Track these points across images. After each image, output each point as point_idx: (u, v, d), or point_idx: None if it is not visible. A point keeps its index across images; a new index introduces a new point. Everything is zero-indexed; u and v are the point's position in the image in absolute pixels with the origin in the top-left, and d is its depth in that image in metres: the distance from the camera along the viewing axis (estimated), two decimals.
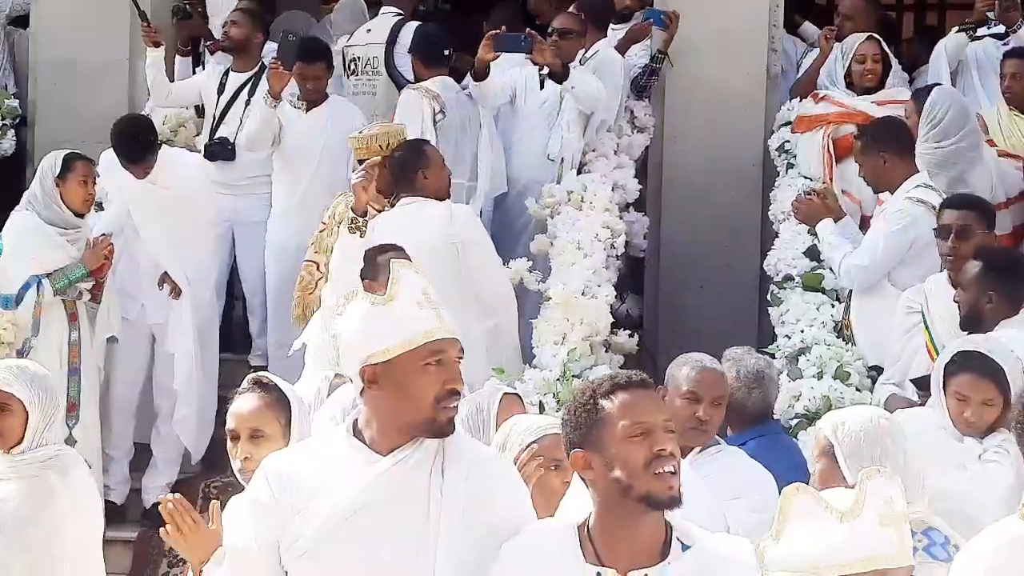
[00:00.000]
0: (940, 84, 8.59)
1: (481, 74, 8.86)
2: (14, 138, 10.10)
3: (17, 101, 10.24)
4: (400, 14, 9.73)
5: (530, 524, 3.76)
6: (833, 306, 7.54)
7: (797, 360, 7.11)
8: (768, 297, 7.93)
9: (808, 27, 10.52)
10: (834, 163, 8.63)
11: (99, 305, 8.24)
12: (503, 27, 9.18)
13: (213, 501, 4.36)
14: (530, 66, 9.13)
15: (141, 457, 8.70)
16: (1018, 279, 6.46)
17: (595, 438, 3.59)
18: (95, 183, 8.20)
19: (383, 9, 9.88)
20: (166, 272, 8.51)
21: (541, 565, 3.61)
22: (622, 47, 9.72)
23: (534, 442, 4.24)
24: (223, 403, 4.96)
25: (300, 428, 4.53)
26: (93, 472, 8.11)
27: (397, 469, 3.72)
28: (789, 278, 7.85)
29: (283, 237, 8.95)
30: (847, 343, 7.22)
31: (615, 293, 8.06)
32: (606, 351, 7.79)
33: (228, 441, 4.56)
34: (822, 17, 10.66)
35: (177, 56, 10.10)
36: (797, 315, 7.48)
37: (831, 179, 8.52)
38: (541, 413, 6.59)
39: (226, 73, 9.41)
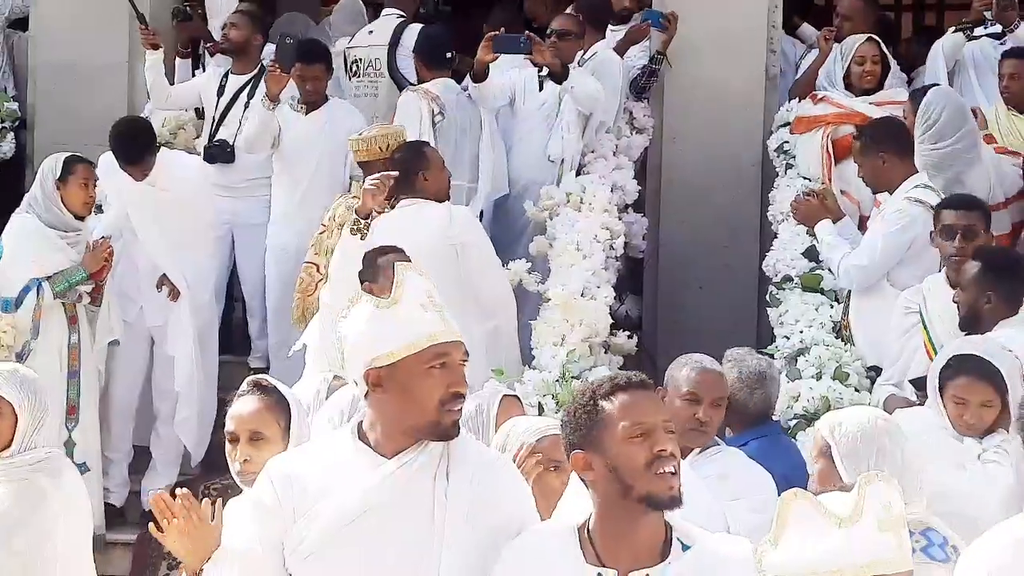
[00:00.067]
0: (937, 84, 8.59)
1: (480, 75, 8.87)
2: (13, 141, 10.10)
3: (16, 104, 10.24)
4: (402, 16, 9.74)
5: (533, 526, 3.76)
6: (832, 307, 7.54)
7: (796, 361, 7.11)
8: (767, 298, 7.94)
9: (807, 28, 10.53)
10: (833, 163, 8.63)
11: (98, 308, 8.24)
12: (502, 29, 9.18)
13: (216, 499, 4.35)
14: (529, 67, 9.14)
15: (140, 460, 8.70)
16: (1017, 279, 6.47)
17: (595, 439, 3.60)
18: (96, 186, 8.20)
19: (385, 11, 9.88)
20: (165, 274, 8.51)
21: (542, 566, 3.62)
22: (621, 48, 9.73)
23: (534, 442, 4.25)
24: (223, 405, 4.96)
25: (299, 431, 4.52)
26: (93, 474, 8.16)
27: (402, 472, 3.73)
28: (788, 279, 7.85)
29: (283, 239, 8.96)
30: (846, 343, 7.22)
31: (614, 294, 8.06)
32: (605, 352, 7.79)
33: (227, 444, 4.55)
34: (820, 18, 10.66)
35: (177, 58, 10.10)
36: (796, 316, 7.48)
37: (830, 180, 8.53)
38: (540, 414, 6.59)
39: (226, 75, 9.42)
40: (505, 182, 9.09)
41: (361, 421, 3.84)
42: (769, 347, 7.33)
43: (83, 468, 8.11)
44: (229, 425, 4.55)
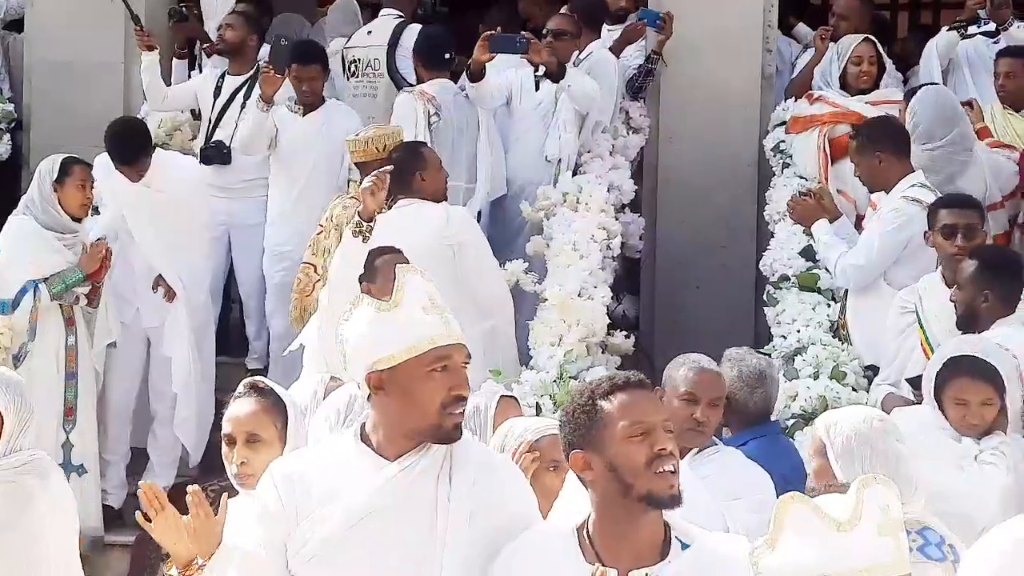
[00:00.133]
0: (928, 85, 8.58)
1: (477, 75, 8.86)
2: (10, 142, 10.10)
3: (12, 105, 10.24)
4: (400, 16, 9.74)
5: (532, 526, 3.76)
6: (829, 306, 7.54)
7: (793, 360, 7.11)
8: (764, 297, 7.93)
9: (802, 28, 10.54)
10: (830, 163, 8.63)
11: (95, 310, 8.24)
12: (498, 28, 9.18)
13: (223, 494, 4.34)
14: (526, 67, 9.14)
15: (138, 461, 8.70)
16: (1014, 278, 6.47)
17: (595, 439, 3.60)
18: (93, 188, 8.20)
19: (383, 11, 9.88)
20: (160, 275, 8.50)
21: (542, 567, 3.62)
22: (617, 48, 9.73)
23: (532, 441, 4.25)
24: (220, 406, 4.96)
25: (296, 433, 4.52)
26: (91, 476, 8.16)
27: (404, 475, 3.73)
28: (785, 278, 7.85)
29: (279, 240, 8.96)
30: (843, 343, 7.22)
31: (611, 294, 8.06)
32: (603, 352, 7.79)
33: (224, 446, 4.54)
34: (816, 17, 10.67)
35: (173, 59, 10.10)
36: (793, 315, 7.48)
37: (827, 179, 8.53)
38: (538, 415, 6.59)
39: (222, 76, 9.41)
40: (503, 183, 9.09)
41: (364, 423, 3.84)
42: (766, 347, 7.32)
43: (81, 470, 8.13)
44: (226, 427, 4.55)
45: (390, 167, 6.63)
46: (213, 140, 9.27)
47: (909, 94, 8.27)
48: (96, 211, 8.64)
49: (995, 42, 9.47)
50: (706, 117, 9.39)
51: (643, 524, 3.60)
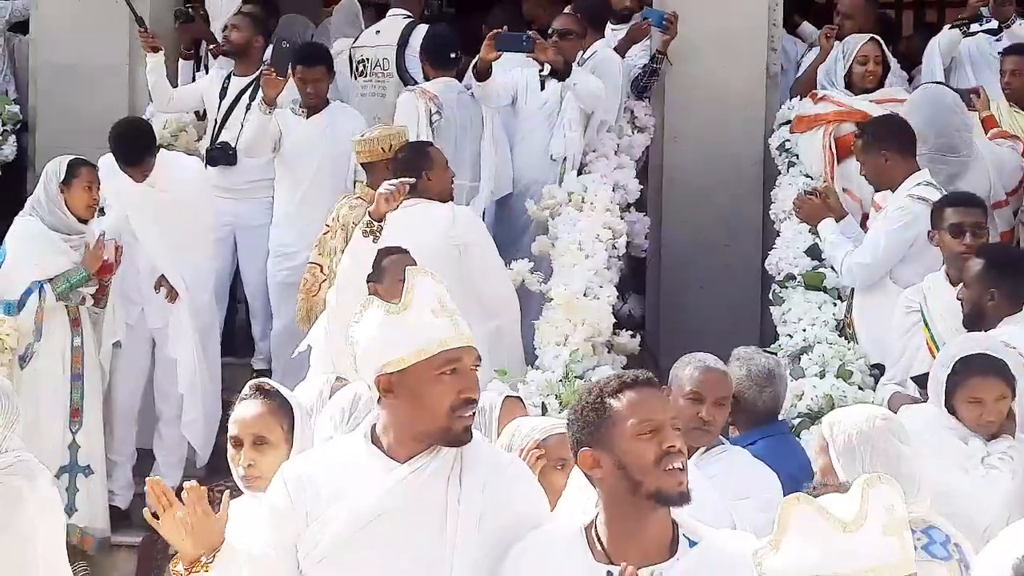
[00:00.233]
0: (923, 86, 8.57)
1: (484, 74, 8.87)
2: (15, 143, 10.11)
3: (18, 107, 10.25)
4: (409, 16, 9.75)
5: (541, 526, 3.76)
6: (835, 305, 7.54)
7: (799, 359, 7.11)
8: (770, 296, 7.93)
9: (807, 27, 10.54)
10: (836, 162, 8.62)
11: (102, 310, 8.24)
12: (504, 28, 9.19)
13: (224, 492, 4.34)
14: (531, 66, 9.14)
15: (144, 462, 8.70)
16: (1020, 276, 6.46)
17: (603, 436, 3.61)
18: (99, 189, 8.20)
19: (391, 11, 9.89)
20: (163, 275, 8.50)
21: (551, 566, 3.63)
22: (622, 48, 9.73)
23: (540, 440, 4.25)
24: (227, 407, 4.95)
25: (302, 434, 4.51)
26: (97, 477, 8.17)
27: (414, 478, 3.73)
28: (791, 277, 7.85)
29: (284, 242, 8.97)
30: (849, 342, 7.22)
31: (617, 294, 8.06)
32: (608, 352, 7.79)
33: (230, 448, 4.53)
34: (821, 16, 10.67)
35: (180, 60, 10.11)
36: (799, 314, 7.47)
37: (832, 178, 8.53)
38: (544, 414, 6.59)
39: (228, 77, 9.41)
40: (509, 181, 9.09)
41: (374, 425, 3.84)
42: (772, 346, 7.32)
43: (88, 471, 8.14)
44: (232, 430, 4.54)
45: (412, 179, 6.61)
46: (219, 141, 9.28)
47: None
48: (102, 212, 8.64)
49: (997, 40, 9.47)
50: (711, 116, 9.39)
51: (651, 522, 3.61)
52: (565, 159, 9.03)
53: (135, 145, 8.39)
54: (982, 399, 5.44)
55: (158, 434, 8.69)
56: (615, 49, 9.64)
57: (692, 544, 3.63)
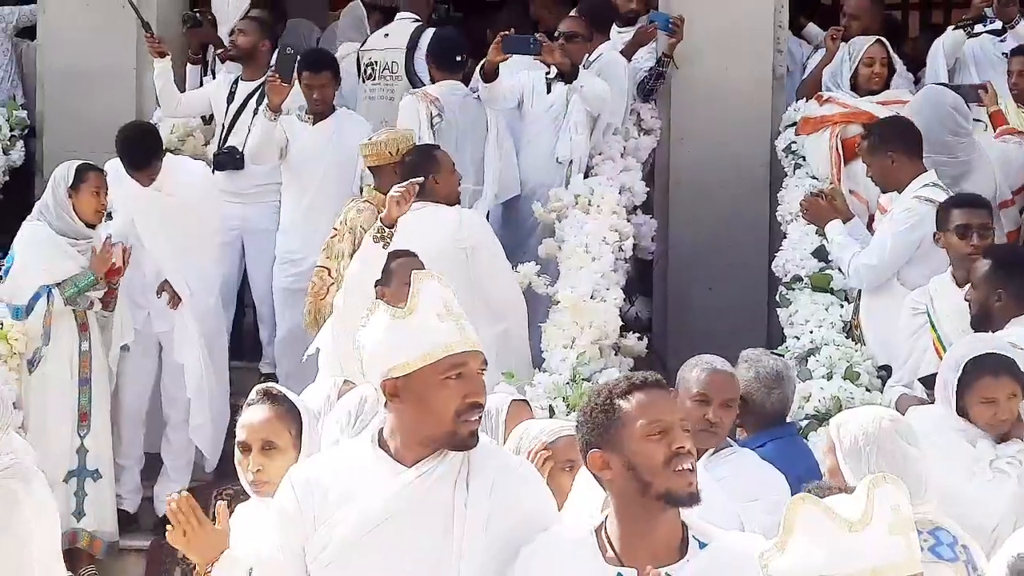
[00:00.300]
0: (925, 88, 8.56)
1: (491, 76, 8.88)
2: (23, 148, 10.12)
3: (25, 112, 10.27)
4: (417, 20, 9.77)
5: (550, 528, 3.76)
6: (842, 306, 7.53)
7: (806, 361, 7.10)
8: (777, 298, 7.93)
9: (812, 28, 10.54)
10: (843, 163, 8.62)
11: (111, 314, 8.25)
12: (511, 30, 9.20)
13: (220, 502, 4.35)
14: (538, 69, 9.15)
15: (152, 466, 8.71)
16: None
17: (613, 438, 3.61)
18: (107, 194, 8.21)
19: (399, 15, 9.91)
20: (166, 280, 8.50)
21: (561, 568, 3.63)
22: (628, 51, 9.73)
23: (548, 442, 4.26)
24: (235, 411, 4.96)
25: (310, 439, 4.52)
26: (105, 481, 8.18)
27: (421, 482, 3.73)
28: (798, 279, 7.85)
29: (291, 248, 8.97)
30: (856, 343, 7.22)
31: (624, 296, 8.07)
32: (615, 354, 7.80)
33: (238, 453, 4.53)
34: (827, 18, 10.67)
35: (188, 64, 10.12)
36: (806, 316, 7.47)
37: (839, 180, 8.52)
38: (551, 417, 6.60)
39: (236, 82, 9.42)
40: (516, 184, 9.09)
41: (381, 429, 3.84)
42: (779, 347, 7.31)
43: (96, 475, 8.15)
44: (240, 435, 4.54)
45: (420, 179, 6.62)
46: (226, 145, 9.28)
47: None
48: (109, 216, 8.66)
49: (1001, 40, 9.47)
50: (717, 118, 9.39)
51: (661, 523, 3.61)
52: (571, 162, 9.03)
53: (141, 149, 8.40)
54: (995, 399, 5.41)
55: (166, 438, 8.70)
56: (621, 52, 9.65)
57: (702, 546, 3.63)
